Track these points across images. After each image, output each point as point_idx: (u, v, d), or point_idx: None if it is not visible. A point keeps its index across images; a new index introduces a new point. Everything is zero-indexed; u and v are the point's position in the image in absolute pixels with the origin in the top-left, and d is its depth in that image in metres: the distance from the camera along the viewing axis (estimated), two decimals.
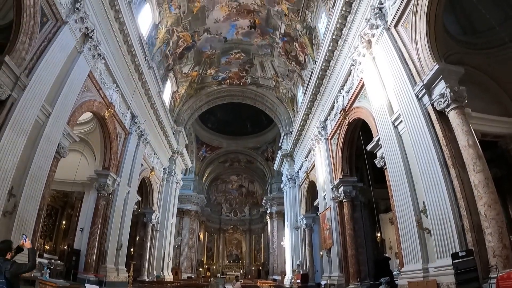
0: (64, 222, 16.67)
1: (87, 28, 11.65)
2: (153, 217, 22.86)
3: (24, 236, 4.72)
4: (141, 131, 18.64)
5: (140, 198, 21.22)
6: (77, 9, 10.85)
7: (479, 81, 11.59)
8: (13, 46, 8.35)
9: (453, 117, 8.27)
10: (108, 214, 15.60)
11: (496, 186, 7.34)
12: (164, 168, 25.29)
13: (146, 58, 17.06)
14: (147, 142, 19.85)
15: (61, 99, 10.59)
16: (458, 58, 10.98)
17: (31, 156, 9.32)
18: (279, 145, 29.37)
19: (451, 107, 8.34)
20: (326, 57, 16.00)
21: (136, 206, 19.95)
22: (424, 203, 8.82)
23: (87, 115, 14.40)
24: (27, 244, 4.51)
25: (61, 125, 10.79)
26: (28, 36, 8.79)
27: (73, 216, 16.68)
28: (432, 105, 8.92)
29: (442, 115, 8.72)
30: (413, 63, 9.79)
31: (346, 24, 13.82)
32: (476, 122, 9.25)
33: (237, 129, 38.35)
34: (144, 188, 22.71)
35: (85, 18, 11.34)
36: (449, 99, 8.32)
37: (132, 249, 21.40)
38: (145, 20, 16.93)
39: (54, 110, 10.21)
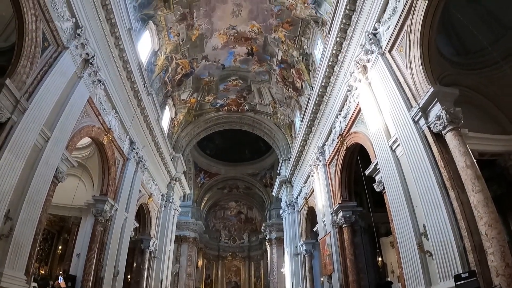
0: (60, 247, 16.42)
1: (87, 54, 11.82)
2: (150, 243, 22.50)
3: (60, 278, 4.81)
4: (139, 157, 18.62)
5: (137, 225, 20.94)
6: (78, 35, 11.05)
7: (475, 101, 11.72)
8: (14, 69, 8.46)
9: (450, 138, 8.31)
10: (105, 240, 15.35)
11: (497, 204, 7.30)
12: (162, 195, 25.09)
13: (145, 84, 17.24)
14: (145, 168, 19.78)
15: (60, 124, 10.63)
16: (452, 79, 11.16)
17: (29, 180, 9.27)
18: (278, 171, 29.27)
19: (447, 129, 8.38)
20: (323, 83, 16.19)
21: (133, 233, 19.68)
22: (424, 226, 8.73)
23: (86, 140, 14.42)
24: (62, 284, 4.63)
25: (60, 150, 10.78)
26: (29, 60, 8.92)
27: (69, 241, 16.42)
28: (429, 127, 8.96)
29: (439, 137, 8.75)
30: (409, 86, 9.90)
31: (342, 50, 14.04)
32: (473, 141, 9.30)
33: (235, 156, 38.37)
34: (142, 215, 22.46)
35: (85, 44, 11.53)
36: (445, 121, 8.38)
37: (129, 276, 20.93)
38: (144, 47, 17.22)
39: (53, 135, 10.23)
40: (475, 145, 9.23)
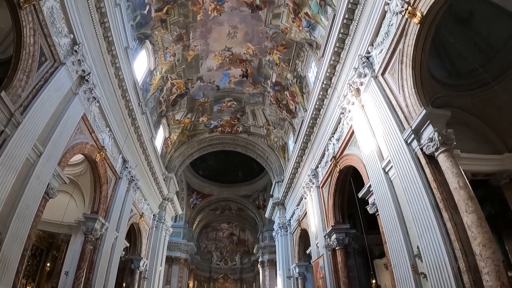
0: (48, 264, 15.94)
1: (83, 71, 11.84)
2: (141, 264, 22.12)
3: None
4: (132, 176, 18.47)
5: (128, 244, 20.65)
6: (75, 51, 11.10)
7: (467, 122, 11.92)
8: (10, 82, 8.44)
9: (443, 160, 8.36)
10: (94, 259, 15.04)
11: (491, 223, 7.33)
12: (153, 215, 24.82)
13: (140, 103, 17.28)
14: (138, 187, 19.59)
15: (54, 140, 10.55)
16: (444, 101, 11.36)
17: (19, 195, 9.12)
18: (271, 193, 29.19)
19: (440, 151, 8.44)
20: (316, 106, 16.34)
21: (123, 252, 19.31)
22: (418, 247, 8.65)
23: (78, 157, 14.27)
24: None
25: (52, 166, 10.66)
26: (26, 74, 8.91)
27: (58, 258, 15.99)
28: (421, 149, 9.00)
29: (431, 159, 8.80)
30: (401, 109, 10.01)
31: (335, 73, 14.22)
32: (466, 162, 9.39)
33: (228, 177, 38.40)
34: (133, 234, 22.15)
35: (82, 60, 11.58)
36: (438, 143, 8.44)
37: None
38: (140, 66, 17.32)
39: (46, 150, 10.13)
40: (468, 166, 9.31)
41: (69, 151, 12.08)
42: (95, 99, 13.03)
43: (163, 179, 24.66)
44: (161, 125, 23.29)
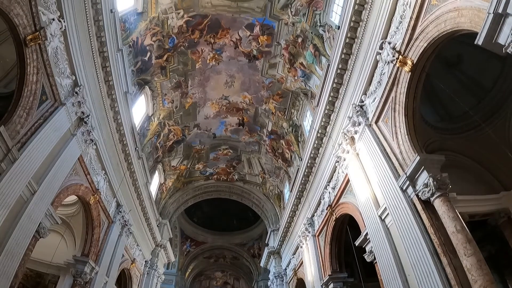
0: None
1: (83, 112, 12.01)
2: None
3: None
4: (125, 221, 18.12)
5: None
6: (76, 93, 11.32)
7: (461, 164, 11.97)
8: (10, 118, 8.52)
9: (439, 205, 8.33)
10: None
11: (492, 264, 7.19)
12: (145, 261, 24.02)
13: (137, 148, 17.34)
14: (130, 232, 19.15)
15: (49, 179, 10.47)
16: (438, 145, 11.52)
17: (9, 231, 8.91)
18: (266, 241, 28.63)
19: (435, 196, 8.42)
20: (312, 155, 16.44)
21: None
22: None
23: (72, 198, 14.10)
24: None
25: (45, 205, 10.49)
26: (26, 111, 9.02)
27: None
28: (417, 195, 8.97)
29: (427, 204, 8.75)
30: (395, 156, 10.10)
31: (330, 122, 14.46)
32: (463, 204, 9.36)
33: (223, 225, 37.92)
34: (123, 280, 21.21)
35: (82, 102, 11.77)
36: (433, 188, 8.45)
37: None
38: (139, 111, 17.61)
39: (40, 189, 10.03)
40: (464, 208, 9.29)
41: (63, 192, 11.94)
42: (92, 141, 13.08)
43: (156, 225, 24.16)
44: (156, 171, 23.24)
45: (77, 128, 12.05)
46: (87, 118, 12.31)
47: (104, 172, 15.08)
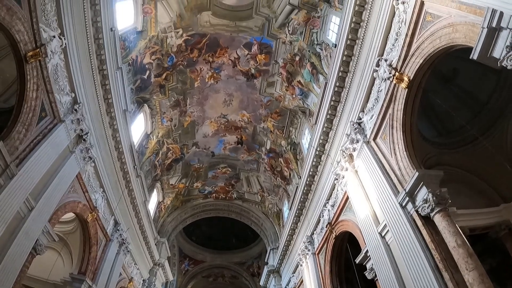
0: None
1: (82, 130, 12.04)
2: None
3: None
4: (123, 239, 17.92)
5: None
6: (75, 110, 11.39)
7: (460, 178, 11.95)
8: (9, 133, 8.54)
9: (439, 220, 8.28)
10: None
11: (494, 276, 7.09)
12: (143, 280, 23.58)
13: (135, 166, 17.29)
14: (128, 251, 18.92)
15: (46, 196, 10.43)
16: (436, 160, 11.54)
17: (6, 247, 8.83)
18: (265, 260, 28.23)
19: (435, 211, 8.38)
20: (310, 173, 16.39)
21: None
22: None
23: (70, 215, 13.99)
24: None
25: (42, 222, 10.43)
26: (25, 127, 9.05)
27: None
28: (417, 211, 8.93)
29: (427, 220, 8.70)
30: (394, 173, 10.09)
31: (328, 140, 14.48)
32: (463, 218, 9.31)
33: (222, 243, 37.54)
34: None
35: (81, 120, 11.83)
36: (433, 203, 8.41)
37: None
38: (137, 129, 17.65)
39: (37, 205, 9.98)
40: (465, 222, 9.24)
41: (60, 209, 11.88)
42: (91, 159, 13.08)
43: (154, 244, 23.82)
44: (155, 189, 23.12)
45: (76, 145, 12.07)
46: (86, 136, 12.34)
47: (102, 189, 15.02)
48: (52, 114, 10.39)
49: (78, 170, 12.50)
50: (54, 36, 9.66)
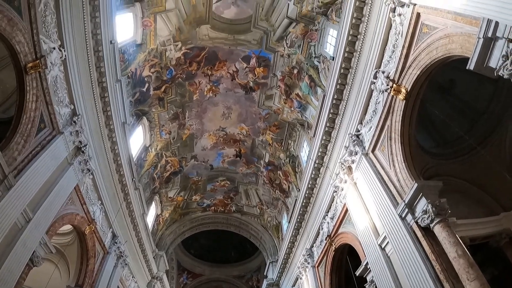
0: None
1: (80, 142, 12.02)
2: None
3: None
4: (120, 252, 17.69)
5: None
6: (74, 122, 11.40)
7: (459, 188, 11.91)
8: (8, 144, 8.52)
9: (439, 231, 8.25)
10: None
11: (496, 285, 7.02)
12: None
13: (134, 179, 17.22)
14: (126, 264, 18.65)
15: (44, 207, 10.35)
16: (435, 171, 11.53)
17: (2, 259, 8.73)
18: (265, 273, 27.91)
19: (435, 222, 8.36)
20: (309, 185, 16.35)
21: None
22: None
23: (68, 227, 13.88)
24: None
25: (40, 233, 10.33)
26: (24, 138, 9.04)
27: None
28: (416, 222, 8.91)
29: (427, 231, 8.67)
30: (393, 184, 10.10)
31: (327, 152, 14.50)
32: (463, 228, 9.29)
33: (220, 257, 37.21)
34: None
35: (80, 132, 11.81)
36: (432, 214, 8.40)
37: None
38: (136, 141, 17.64)
39: (35, 217, 9.89)
40: (465, 232, 9.22)
41: (58, 221, 11.77)
42: (89, 171, 13.04)
43: (153, 257, 23.54)
44: (153, 202, 22.98)
45: (74, 157, 12.03)
46: (84, 148, 12.31)
47: (100, 202, 14.93)
48: (51, 125, 10.38)
49: (77, 182, 12.44)
50: (54, 48, 9.73)
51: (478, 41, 6.01)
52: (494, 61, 5.82)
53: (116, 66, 12.84)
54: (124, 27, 13.75)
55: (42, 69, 9.17)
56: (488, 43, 5.86)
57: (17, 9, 8.26)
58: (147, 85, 16.09)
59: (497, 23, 5.71)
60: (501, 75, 5.77)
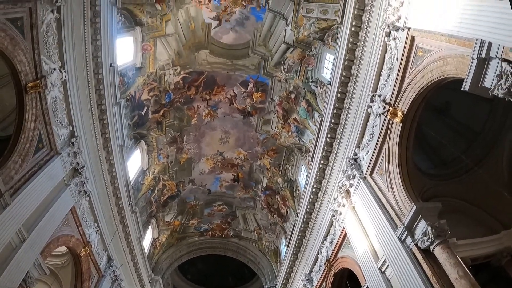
0: None
1: (78, 163, 12.01)
2: None
3: None
4: (116, 275, 17.30)
5: None
6: (72, 143, 11.42)
7: (458, 208, 11.80)
8: (5, 162, 8.50)
9: (439, 252, 8.17)
10: None
11: None
12: None
13: (131, 202, 17.08)
14: None
15: (39, 228, 10.24)
16: (433, 192, 11.48)
17: None
18: None
19: (435, 244, 8.28)
20: (307, 210, 16.25)
21: None
22: None
23: (62, 248, 13.66)
24: None
25: (34, 254, 10.17)
26: (21, 158, 9.02)
27: None
28: (416, 245, 8.83)
29: (427, 253, 8.58)
30: (392, 207, 10.07)
31: (325, 177, 14.48)
32: (464, 249, 9.18)
33: (218, 282, 36.22)
34: None
35: (78, 153, 11.83)
36: (432, 236, 8.33)
37: None
38: (134, 164, 17.61)
39: (29, 237, 9.77)
40: (466, 252, 9.13)
41: (53, 242, 11.60)
42: (86, 193, 12.97)
43: (149, 281, 23.00)
44: (150, 226, 22.71)
45: (71, 178, 12.00)
46: (82, 169, 12.29)
47: (96, 224, 14.75)
48: (49, 146, 10.40)
49: (73, 203, 12.35)
50: (54, 69, 9.87)
51: (472, 62, 6.12)
52: (489, 81, 5.91)
53: (115, 89, 12.99)
54: (124, 50, 14.01)
55: (42, 89, 9.27)
56: (482, 63, 5.97)
57: (20, 28, 8.43)
58: (145, 108, 16.22)
59: (490, 44, 5.83)
60: (496, 94, 5.84)
